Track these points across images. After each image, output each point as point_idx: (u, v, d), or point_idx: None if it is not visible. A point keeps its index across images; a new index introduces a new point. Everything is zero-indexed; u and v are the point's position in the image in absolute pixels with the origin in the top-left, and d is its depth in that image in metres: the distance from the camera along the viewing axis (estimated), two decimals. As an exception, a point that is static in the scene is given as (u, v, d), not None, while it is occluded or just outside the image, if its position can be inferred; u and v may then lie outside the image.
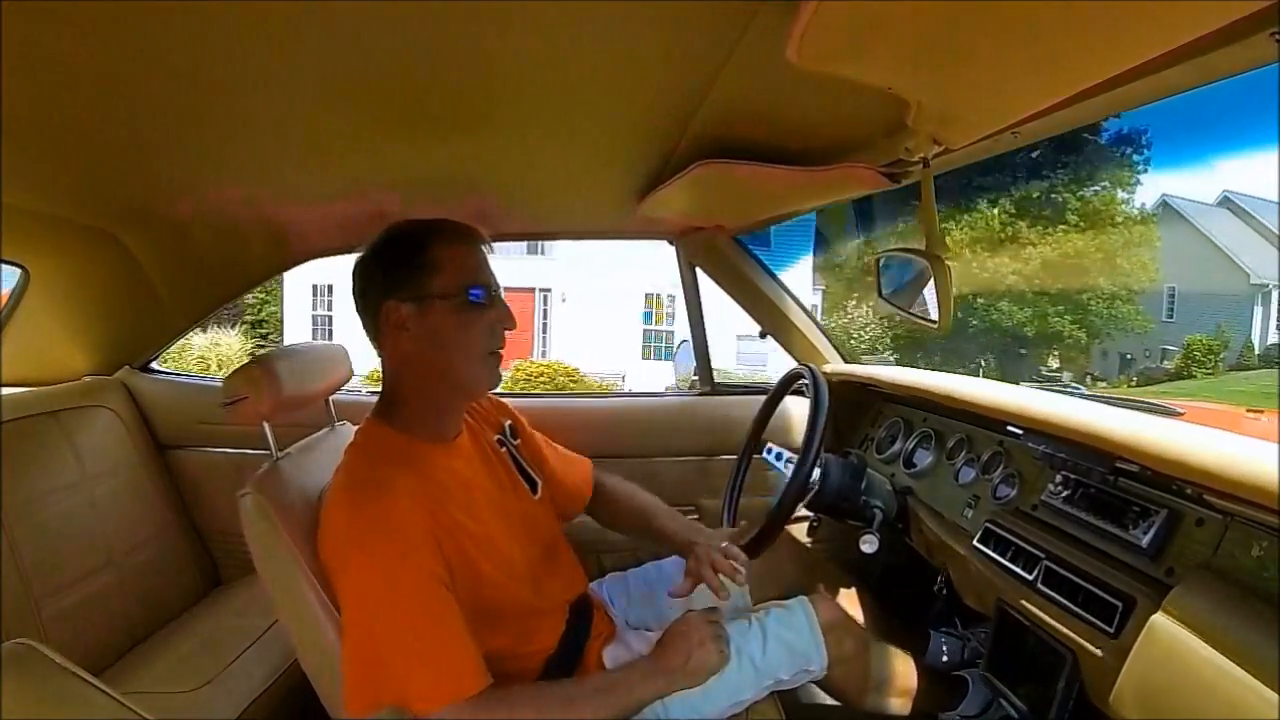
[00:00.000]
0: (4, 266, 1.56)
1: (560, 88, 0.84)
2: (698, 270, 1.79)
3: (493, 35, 0.70)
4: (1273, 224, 11.14)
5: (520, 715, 0.88)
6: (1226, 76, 0.64)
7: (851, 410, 1.70)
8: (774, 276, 1.75)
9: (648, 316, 14.90)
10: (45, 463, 1.42)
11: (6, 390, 1.49)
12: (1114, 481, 0.89)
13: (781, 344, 1.79)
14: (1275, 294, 10.83)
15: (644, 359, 14.48)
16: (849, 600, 1.35)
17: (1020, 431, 1.08)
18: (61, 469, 1.44)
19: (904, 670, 1.19)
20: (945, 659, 1.28)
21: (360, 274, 0.99)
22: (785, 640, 1.09)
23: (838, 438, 1.70)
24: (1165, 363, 11.25)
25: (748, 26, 0.66)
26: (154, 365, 1.87)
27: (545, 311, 14.66)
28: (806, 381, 1.28)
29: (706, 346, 1.87)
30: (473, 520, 0.97)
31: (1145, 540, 0.81)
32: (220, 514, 1.71)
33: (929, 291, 0.92)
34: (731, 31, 0.67)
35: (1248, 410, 1.33)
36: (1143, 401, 1.11)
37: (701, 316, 1.85)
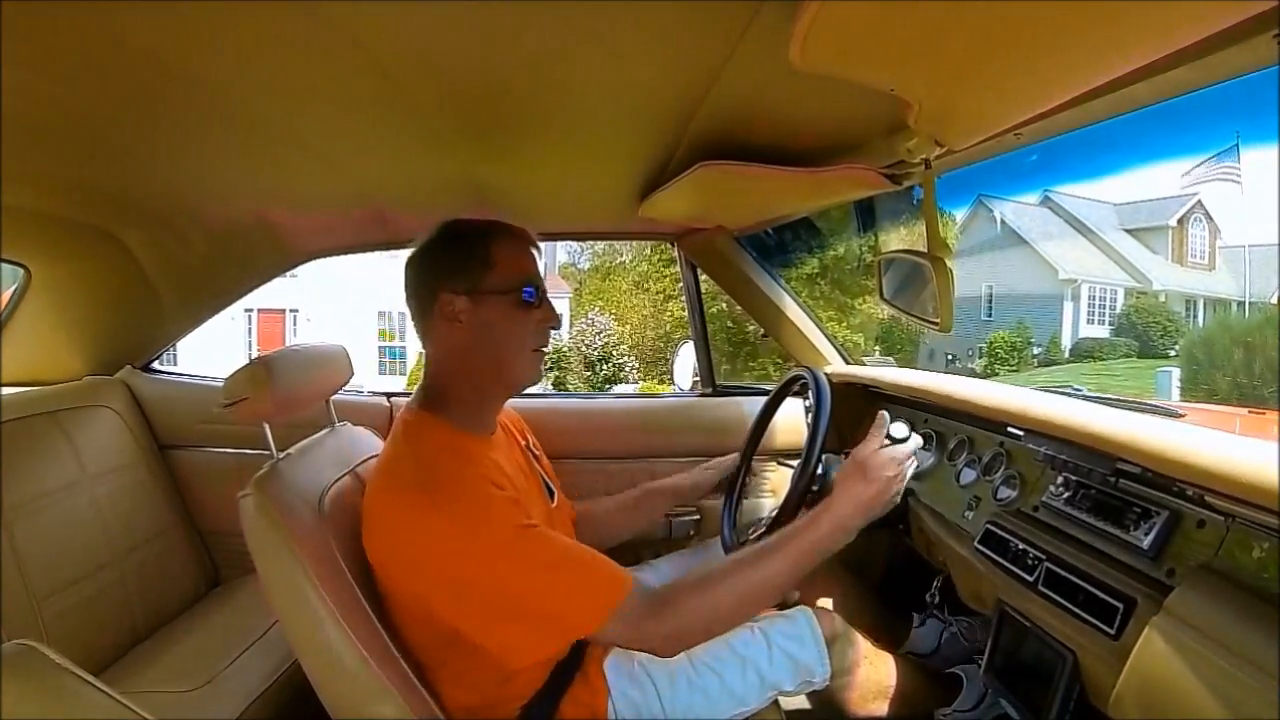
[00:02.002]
0: (5, 266, 1.57)
1: (561, 89, 0.84)
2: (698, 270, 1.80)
3: (494, 37, 0.70)
4: (1092, 222, 11.39)
5: (684, 592, 0.90)
6: (1228, 78, 0.64)
7: (852, 411, 1.69)
8: (774, 277, 1.75)
9: (380, 334, 15.47)
10: (45, 463, 1.42)
11: (6, 390, 1.49)
12: (1115, 483, 0.89)
13: (782, 345, 1.79)
14: (1085, 288, 11.04)
15: (380, 374, 14.94)
16: (846, 599, 1.36)
17: (1021, 433, 1.08)
18: (62, 469, 1.44)
19: (900, 677, 1.19)
20: (926, 643, 1.31)
21: (416, 267, 1.02)
22: (789, 652, 1.09)
23: (839, 439, 1.70)
24: (974, 362, 11.55)
25: (748, 27, 0.66)
26: (155, 365, 1.87)
27: (295, 331, 15.25)
28: (807, 383, 1.28)
29: (708, 347, 1.87)
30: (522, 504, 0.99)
31: (1146, 541, 0.81)
32: (220, 514, 1.71)
33: (930, 292, 0.92)
34: (732, 32, 0.68)
35: (1249, 410, 1.33)
36: (1143, 403, 1.10)
37: (703, 317, 1.85)
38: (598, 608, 0.86)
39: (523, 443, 1.20)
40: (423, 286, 1.00)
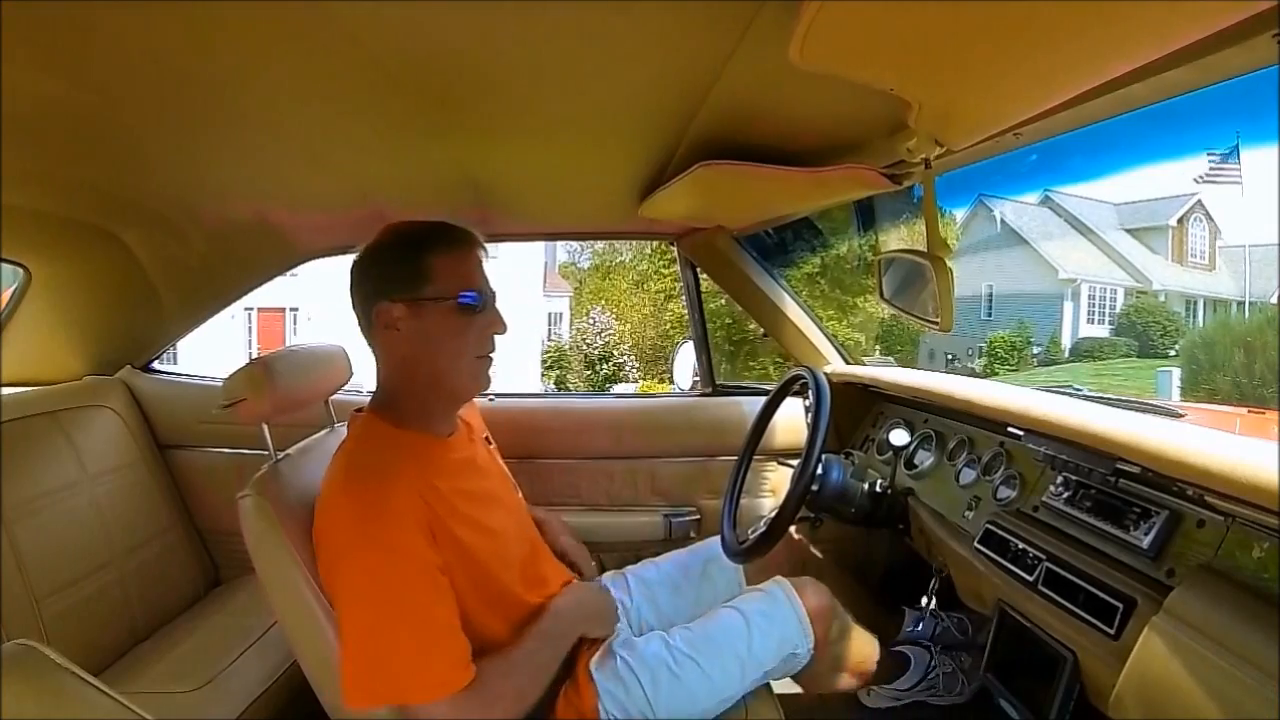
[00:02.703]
0: (5, 266, 1.57)
1: (562, 89, 0.84)
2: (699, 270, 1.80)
3: (495, 36, 0.70)
4: (1092, 222, 11.44)
5: (499, 691, 0.90)
6: (1227, 78, 0.64)
7: (852, 411, 1.70)
8: (774, 277, 1.75)
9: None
10: (46, 463, 1.42)
11: (7, 390, 1.49)
12: (1115, 483, 0.89)
13: (782, 345, 1.79)
14: (1085, 288, 11.05)
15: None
16: (841, 598, 1.38)
17: (1021, 433, 1.08)
18: (62, 469, 1.44)
19: (870, 653, 1.26)
20: (918, 636, 1.34)
21: (357, 273, 1.00)
22: (769, 632, 1.11)
23: (838, 439, 1.70)
24: (974, 361, 11.57)
25: (749, 27, 0.66)
26: (155, 365, 1.87)
27: (295, 330, 15.16)
28: (807, 383, 1.28)
29: (708, 346, 1.86)
30: (473, 509, 0.99)
31: (1146, 541, 0.81)
32: (220, 514, 1.70)
33: (930, 292, 0.92)
34: (733, 32, 0.68)
35: (1249, 410, 1.33)
36: (1143, 403, 1.10)
37: (703, 317, 1.85)
38: (436, 688, 0.85)
39: (484, 435, 1.20)
40: (362, 294, 0.98)
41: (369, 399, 1.03)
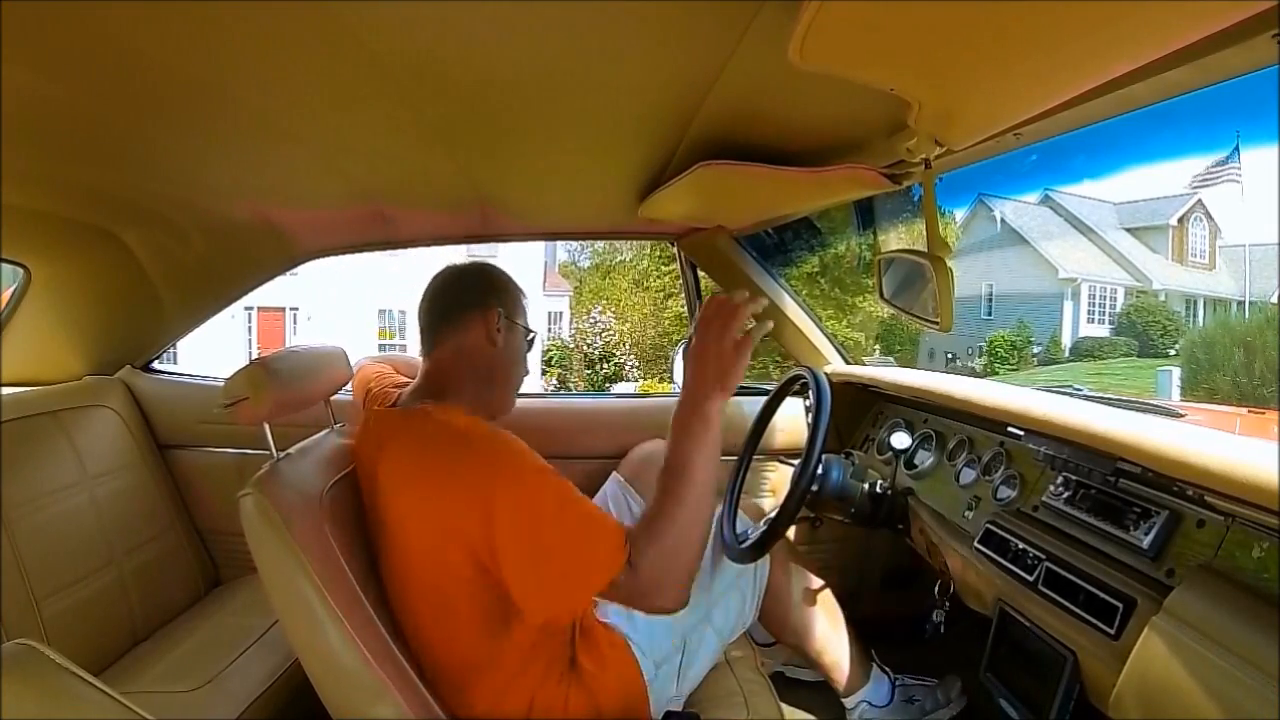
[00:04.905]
0: (5, 266, 1.57)
1: (561, 88, 0.84)
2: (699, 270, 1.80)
3: (494, 37, 0.70)
4: (1092, 221, 11.50)
5: (664, 521, 0.93)
6: (1228, 78, 0.64)
7: (852, 411, 1.70)
8: (775, 277, 1.75)
9: (380, 333, 15.61)
10: (46, 463, 1.42)
11: (6, 390, 1.49)
12: (1115, 483, 0.89)
13: (782, 345, 1.79)
14: (1085, 288, 11.08)
15: (379, 371, 15.09)
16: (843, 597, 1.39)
17: (1021, 433, 1.08)
18: (62, 469, 1.44)
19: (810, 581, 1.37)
20: (879, 695, 1.35)
21: (454, 283, 1.13)
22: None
23: (838, 439, 1.70)
24: (974, 361, 11.61)
25: (749, 27, 0.66)
26: (155, 365, 1.87)
27: (295, 330, 15.30)
28: (807, 383, 1.28)
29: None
30: None
31: (1146, 541, 0.81)
32: (220, 514, 1.71)
33: (930, 292, 0.91)
34: (733, 32, 0.68)
35: (1249, 410, 1.33)
36: (1143, 403, 1.11)
37: (702, 317, 1.85)
38: (616, 553, 0.90)
39: None
40: (464, 298, 1.10)
41: (419, 399, 1.07)
